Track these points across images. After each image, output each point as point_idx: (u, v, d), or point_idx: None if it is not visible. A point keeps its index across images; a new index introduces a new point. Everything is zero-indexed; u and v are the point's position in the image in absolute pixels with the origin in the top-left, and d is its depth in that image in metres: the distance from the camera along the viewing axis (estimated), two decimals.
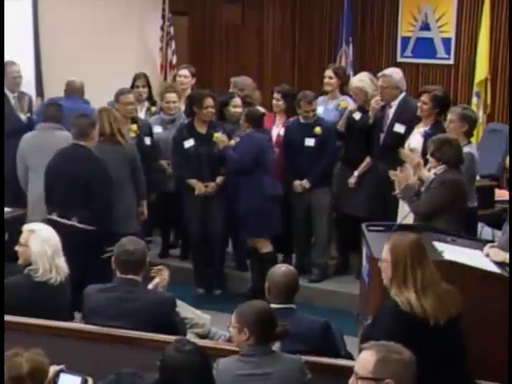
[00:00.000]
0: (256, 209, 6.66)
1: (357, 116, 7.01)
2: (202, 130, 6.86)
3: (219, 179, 6.88)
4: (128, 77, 7.91)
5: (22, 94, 7.70)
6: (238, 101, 7.08)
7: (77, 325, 4.61)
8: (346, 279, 7.10)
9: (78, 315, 4.92)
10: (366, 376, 2.93)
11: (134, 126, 6.97)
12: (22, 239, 4.74)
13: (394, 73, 6.86)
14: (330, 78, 7.38)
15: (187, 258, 7.48)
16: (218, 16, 10.78)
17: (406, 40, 9.66)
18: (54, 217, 5.91)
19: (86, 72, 7.94)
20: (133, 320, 4.37)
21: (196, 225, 6.94)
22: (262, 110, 7.36)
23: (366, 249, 4.96)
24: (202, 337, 5.17)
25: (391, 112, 6.79)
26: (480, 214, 6.38)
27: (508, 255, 4.56)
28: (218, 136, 6.74)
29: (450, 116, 6.12)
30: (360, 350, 3.05)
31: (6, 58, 7.61)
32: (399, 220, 5.52)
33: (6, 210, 6.36)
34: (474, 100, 8.88)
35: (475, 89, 8.93)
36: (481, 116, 8.68)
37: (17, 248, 4.76)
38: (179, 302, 4.97)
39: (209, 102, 6.81)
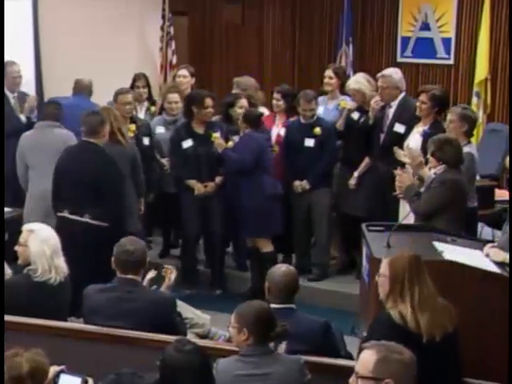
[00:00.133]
0: (256, 208, 6.66)
1: (355, 116, 7.02)
2: (200, 130, 6.86)
3: (218, 179, 6.89)
4: (128, 77, 7.91)
5: (22, 94, 7.71)
6: (243, 102, 7.08)
7: (77, 325, 4.61)
8: (346, 279, 7.09)
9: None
10: (366, 375, 2.93)
11: (133, 126, 6.98)
12: (21, 239, 4.74)
13: (394, 73, 6.86)
14: (330, 78, 7.38)
15: None
16: (218, 16, 10.77)
17: (405, 40, 9.66)
18: (66, 214, 5.92)
19: (86, 72, 7.93)
20: (133, 320, 4.38)
21: (195, 225, 6.94)
22: (264, 110, 7.39)
23: (365, 249, 4.96)
24: (202, 337, 5.18)
25: (391, 112, 6.79)
26: (480, 214, 6.37)
27: (508, 255, 4.56)
28: (216, 137, 6.74)
29: (449, 116, 6.12)
30: (361, 350, 3.05)
31: (6, 58, 7.61)
32: (400, 220, 5.52)
33: (6, 210, 6.38)
34: (474, 100, 8.88)
35: (475, 89, 8.92)
36: (481, 116, 8.67)
37: (16, 248, 4.77)
38: (179, 302, 4.98)
39: (209, 102, 6.82)
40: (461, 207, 5.42)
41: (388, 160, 6.40)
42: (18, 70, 7.64)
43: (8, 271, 5.03)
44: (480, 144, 8.15)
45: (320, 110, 7.15)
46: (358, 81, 7.01)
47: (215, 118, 7.32)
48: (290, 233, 7.15)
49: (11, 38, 7.98)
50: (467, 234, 5.31)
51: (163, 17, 10.16)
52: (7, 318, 4.08)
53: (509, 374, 3.72)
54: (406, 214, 5.51)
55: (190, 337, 4.71)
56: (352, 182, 6.99)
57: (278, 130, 7.24)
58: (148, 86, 7.91)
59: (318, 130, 6.92)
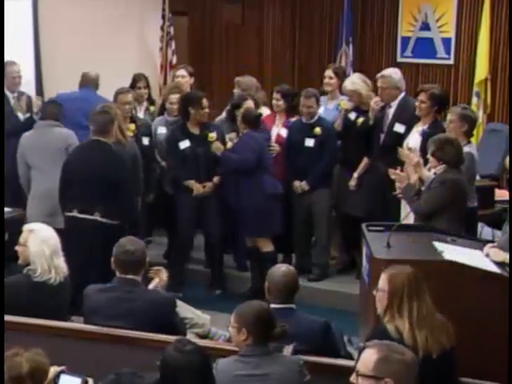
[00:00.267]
0: (256, 208, 6.66)
1: (352, 116, 7.03)
2: (196, 130, 6.86)
3: (216, 179, 6.88)
4: (128, 77, 7.91)
5: (20, 94, 7.70)
6: (250, 103, 7.08)
7: (77, 325, 4.60)
8: (346, 279, 7.09)
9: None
10: (367, 374, 2.93)
11: (132, 126, 6.99)
12: (21, 239, 4.75)
13: (394, 73, 6.86)
14: (330, 78, 7.39)
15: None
16: (218, 16, 10.77)
17: (405, 40, 9.66)
18: (75, 213, 5.93)
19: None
20: (133, 320, 4.38)
21: (191, 226, 6.93)
22: (266, 110, 7.38)
23: (365, 249, 4.97)
24: (202, 337, 5.18)
25: (391, 112, 6.79)
26: (480, 214, 6.37)
27: (508, 255, 4.56)
28: (213, 137, 6.77)
29: (449, 116, 6.12)
30: (363, 349, 3.06)
31: (6, 58, 7.61)
32: (400, 220, 5.52)
33: (6, 210, 6.37)
34: (474, 100, 8.87)
35: (475, 89, 8.92)
36: (481, 116, 8.67)
37: (17, 248, 4.77)
38: (179, 302, 4.98)
39: (205, 102, 6.86)
40: (461, 207, 5.42)
41: (388, 160, 6.39)
42: (18, 70, 7.64)
43: None
44: (480, 144, 8.15)
45: (320, 110, 7.15)
46: (354, 81, 7.02)
47: (219, 118, 7.32)
48: (290, 233, 7.15)
49: (11, 38, 7.98)
50: (467, 234, 5.31)
51: (163, 17, 10.16)
52: (7, 318, 4.08)
53: (509, 374, 3.72)
54: (407, 214, 5.51)
55: (190, 337, 4.71)
56: (352, 183, 7.00)
57: (277, 130, 7.24)
58: (148, 86, 7.91)
59: (318, 129, 6.92)
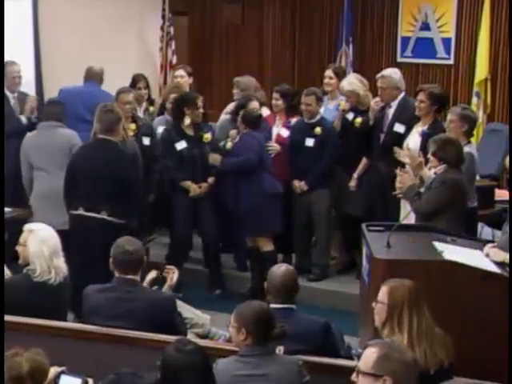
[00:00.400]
0: (256, 207, 6.67)
1: (350, 116, 7.03)
2: (190, 131, 6.86)
3: (210, 179, 6.88)
4: (128, 77, 7.92)
5: (22, 95, 7.70)
6: (255, 104, 7.08)
7: (77, 325, 4.61)
8: (346, 279, 7.09)
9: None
10: (366, 371, 2.94)
11: (133, 126, 6.99)
12: (21, 239, 4.75)
13: (393, 73, 6.86)
14: (330, 78, 7.39)
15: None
16: (218, 16, 10.77)
17: (405, 40, 9.66)
18: (81, 211, 5.95)
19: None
20: (132, 320, 4.38)
21: (187, 227, 6.92)
22: (266, 110, 7.38)
23: (365, 249, 4.96)
24: (202, 337, 5.18)
25: (391, 112, 6.79)
26: (480, 214, 6.38)
27: (508, 255, 4.56)
28: (208, 138, 6.82)
29: (449, 116, 6.12)
30: (365, 347, 3.06)
31: (6, 58, 7.61)
32: (400, 220, 5.52)
33: (6, 209, 6.37)
34: (474, 100, 8.87)
35: (475, 89, 8.92)
36: (481, 116, 8.67)
37: (17, 248, 4.77)
38: (179, 302, 4.98)
39: (200, 103, 6.86)
40: (461, 207, 5.42)
41: (388, 160, 6.39)
42: (18, 70, 7.63)
43: (7, 272, 5.03)
44: (480, 144, 8.16)
45: (321, 110, 7.15)
46: (351, 82, 7.02)
47: (224, 119, 7.28)
48: (290, 233, 7.15)
49: (11, 38, 7.98)
50: (467, 234, 5.31)
51: (163, 17, 10.16)
52: (7, 318, 4.08)
53: (509, 374, 3.72)
54: (407, 214, 5.51)
55: (190, 337, 4.71)
56: (352, 183, 7.00)
57: (278, 130, 7.24)
58: (148, 87, 7.92)
59: (318, 129, 6.92)
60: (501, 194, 7.35)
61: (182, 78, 7.91)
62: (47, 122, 6.77)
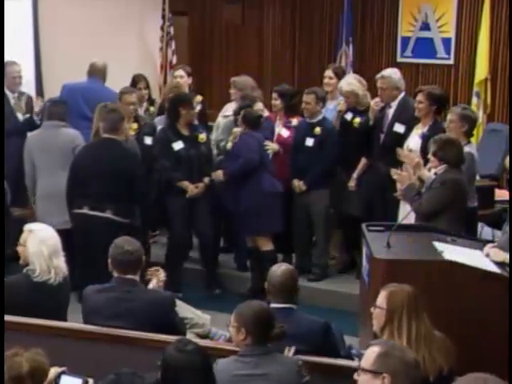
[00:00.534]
0: (255, 207, 6.67)
1: (348, 116, 7.04)
2: (186, 131, 6.86)
3: (206, 179, 6.88)
4: (128, 77, 7.93)
5: (21, 94, 7.71)
6: (260, 105, 7.09)
7: (77, 325, 4.60)
8: (346, 279, 7.09)
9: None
10: (367, 368, 2.94)
11: (134, 125, 7.01)
12: (21, 239, 4.75)
13: (393, 73, 6.86)
14: (330, 78, 7.39)
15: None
16: (218, 16, 10.78)
17: (405, 40, 9.66)
18: (86, 210, 5.97)
19: (86, 72, 7.93)
20: (132, 320, 4.38)
21: (185, 227, 6.91)
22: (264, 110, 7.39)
23: (365, 249, 4.96)
24: (202, 337, 5.18)
25: (391, 112, 6.79)
26: (480, 214, 6.38)
27: (508, 255, 4.56)
28: (203, 138, 6.85)
29: (449, 116, 6.12)
30: (367, 346, 3.07)
31: (6, 57, 7.61)
32: (400, 220, 5.52)
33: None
34: (474, 100, 8.87)
35: (475, 89, 8.92)
36: (481, 116, 8.67)
37: (18, 248, 4.77)
38: (179, 302, 4.98)
39: (195, 103, 6.89)
40: (461, 207, 5.43)
41: (388, 160, 6.39)
42: (18, 70, 7.64)
43: None
44: (480, 144, 8.15)
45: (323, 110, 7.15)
46: (350, 82, 7.01)
47: (228, 120, 7.27)
48: (291, 232, 7.15)
49: (11, 38, 7.99)
50: (467, 234, 5.31)
51: (163, 17, 10.17)
52: (7, 318, 4.08)
53: (509, 374, 3.72)
54: (406, 214, 5.51)
55: (190, 337, 4.70)
56: (351, 183, 7.00)
57: (278, 130, 7.25)
58: (148, 87, 7.92)
59: (318, 129, 6.93)
60: (501, 194, 7.35)
61: (182, 78, 7.91)
62: (51, 122, 6.80)
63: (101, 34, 9.18)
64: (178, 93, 7.23)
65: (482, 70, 8.85)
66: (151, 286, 4.78)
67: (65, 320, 4.69)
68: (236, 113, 7.06)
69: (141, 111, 7.76)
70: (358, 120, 6.96)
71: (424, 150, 5.98)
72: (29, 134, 6.95)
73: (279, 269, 4.32)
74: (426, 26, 9.52)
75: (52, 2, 8.87)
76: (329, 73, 7.42)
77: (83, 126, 6.81)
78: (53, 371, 3.31)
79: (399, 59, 9.65)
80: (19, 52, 8.28)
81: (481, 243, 5.03)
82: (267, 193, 6.71)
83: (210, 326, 5.35)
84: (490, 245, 4.86)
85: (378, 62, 9.57)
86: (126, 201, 5.98)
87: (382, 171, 6.61)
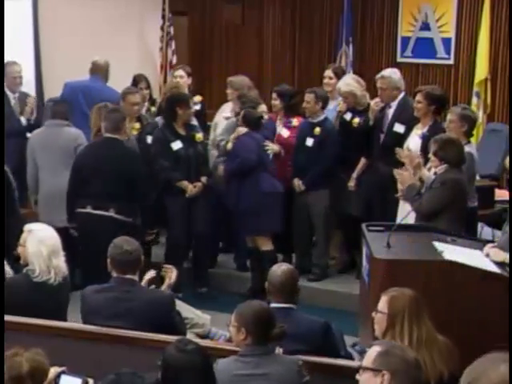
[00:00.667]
0: (255, 207, 6.67)
1: (347, 116, 7.04)
2: (182, 131, 6.86)
3: (204, 179, 6.88)
4: (128, 77, 7.92)
5: (24, 95, 7.70)
6: (264, 107, 7.09)
7: (77, 325, 4.60)
8: (346, 279, 7.10)
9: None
10: (367, 366, 2.95)
11: (137, 125, 7.03)
12: (21, 239, 4.75)
13: (393, 73, 6.86)
14: (330, 78, 7.39)
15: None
16: (218, 16, 10.77)
17: (405, 40, 9.66)
18: (89, 209, 6.00)
19: (86, 72, 7.94)
20: (132, 320, 4.38)
21: (185, 228, 6.90)
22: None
23: (365, 249, 4.96)
24: (202, 337, 5.17)
25: (391, 112, 6.80)
26: (480, 214, 6.38)
27: (508, 255, 4.56)
28: (200, 137, 6.86)
29: (449, 116, 6.13)
30: (370, 346, 3.07)
31: (6, 57, 7.61)
32: (399, 220, 5.52)
33: None
34: (474, 100, 8.87)
35: (475, 89, 8.92)
36: (481, 116, 8.67)
37: (18, 248, 4.77)
38: (179, 302, 4.98)
39: (191, 102, 6.88)
40: (461, 207, 5.43)
41: (388, 160, 6.39)
42: (18, 70, 7.64)
43: (9, 270, 5.03)
44: (480, 144, 8.15)
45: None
46: (348, 83, 7.01)
47: (231, 121, 7.27)
48: (291, 233, 7.15)
49: (11, 38, 7.99)
50: (467, 234, 5.31)
51: (163, 17, 10.16)
52: (7, 317, 4.08)
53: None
54: (406, 215, 5.51)
55: (190, 337, 4.70)
56: (351, 183, 7.00)
57: (278, 130, 7.25)
58: (149, 87, 7.93)
59: (317, 129, 6.93)
60: (501, 194, 7.35)
61: (182, 78, 7.91)
62: (54, 121, 6.81)
63: (101, 34, 9.18)
64: (175, 92, 7.21)
65: (482, 69, 8.85)
66: (164, 286, 4.79)
67: (65, 320, 4.70)
68: (238, 113, 7.07)
69: (142, 111, 7.77)
70: (357, 120, 6.96)
71: (424, 150, 5.98)
72: (32, 133, 6.97)
73: (279, 269, 4.32)
74: (425, 26, 9.51)
75: (52, 2, 8.87)
76: (329, 73, 7.43)
77: (84, 125, 6.82)
78: (53, 371, 3.31)
79: (399, 59, 9.64)
80: (19, 52, 8.27)
81: (481, 243, 5.03)
82: (267, 193, 6.72)
83: (209, 325, 5.35)
84: (490, 245, 4.86)
85: (378, 62, 9.57)
86: (127, 200, 6.01)
87: (381, 171, 6.61)
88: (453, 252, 4.66)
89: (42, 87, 8.81)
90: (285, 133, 7.20)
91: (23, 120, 7.52)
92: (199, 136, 6.88)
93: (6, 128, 7.06)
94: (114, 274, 4.53)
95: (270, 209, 6.73)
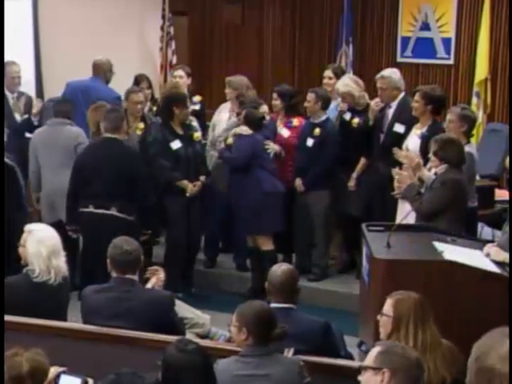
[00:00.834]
0: (255, 206, 6.68)
1: (347, 117, 7.04)
2: (180, 130, 6.85)
3: (202, 178, 6.88)
4: (128, 77, 7.91)
5: (20, 94, 7.71)
6: (265, 108, 7.09)
7: (77, 325, 4.60)
8: (346, 279, 7.10)
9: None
10: (368, 365, 2.95)
11: (141, 124, 7.05)
12: (21, 239, 4.75)
13: (393, 73, 6.86)
14: (330, 78, 7.39)
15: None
16: (218, 16, 10.77)
17: (405, 40, 9.66)
18: (91, 209, 6.04)
19: (86, 72, 7.93)
20: (132, 319, 4.38)
21: (185, 227, 6.90)
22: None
23: (365, 249, 4.96)
24: (202, 337, 5.17)
25: (391, 112, 6.80)
26: (480, 214, 6.38)
27: (508, 255, 4.56)
28: (198, 137, 6.89)
29: (449, 116, 6.12)
30: (372, 346, 3.07)
31: (6, 57, 7.62)
32: (398, 220, 5.52)
33: None
34: (474, 100, 8.87)
35: (475, 89, 8.92)
36: (481, 116, 8.67)
37: (19, 248, 4.77)
38: (179, 302, 4.98)
39: (188, 102, 6.89)
40: (461, 207, 5.43)
41: (388, 160, 6.39)
42: (17, 71, 7.65)
43: None
44: (480, 144, 8.15)
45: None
46: (346, 83, 7.01)
47: (233, 121, 7.26)
48: (291, 233, 7.15)
49: (11, 38, 7.99)
50: (467, 234, 5.31)
51: (163, 17, 10.16)
52: (7, 318, 4.08)
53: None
54: (406, 215, 5.51)
55: (190, 337, 4.70)
56: (351, 183, 7.00)
57: (279, 130, 7.25)
58: (150, 87, 7.94)
59: (317, 130, 6.94)
60: (501, 194, 7.35)
61: (181, 78, 7.91)
62: (56, 119, 6.85)
63: (101, 34, 9.18)
64: (172, 92, 7.16)
65: (481, 69, 8.85)
66: (149, 285, 4.78)
67: (65, 320, 4.70)
68: (239, 113, 7.07)
69: (145, 110, 7.77)
70: (356, 120, 6.96)
71: (423, 150, 5.97)
72: (34, 131, 6.99)
73: (279, 269, 4.32)
74: (425, 26, 9.51)
75: (52, 2, 8.87)
76: (328, 73, 7.43)
77: (84, 125, 6.84)
78: (53, 371, 3.31)
79: (399, 59, 9.64)
80: (19, 52, 8.28)
81: (481, 243, 5.02)
82: (268, 193, 6.72)
83: (209, 325, 5.35)
84: (490, 245, 4.86)
85: (378, 62, 9.57)
86: (128, 200, 6.04)
87: (381, 171, 6.61)
88: (453, 252, 4.66)
89: (42, 87, 8.82)
90: (285, 133, 7.20)
91: (17, 117, 7.52)
92: (197, 135, 6.89)
93: (6, 127, 7.07)
94: (114, 274, 4.53)
95: (271, 208, 6.74)
